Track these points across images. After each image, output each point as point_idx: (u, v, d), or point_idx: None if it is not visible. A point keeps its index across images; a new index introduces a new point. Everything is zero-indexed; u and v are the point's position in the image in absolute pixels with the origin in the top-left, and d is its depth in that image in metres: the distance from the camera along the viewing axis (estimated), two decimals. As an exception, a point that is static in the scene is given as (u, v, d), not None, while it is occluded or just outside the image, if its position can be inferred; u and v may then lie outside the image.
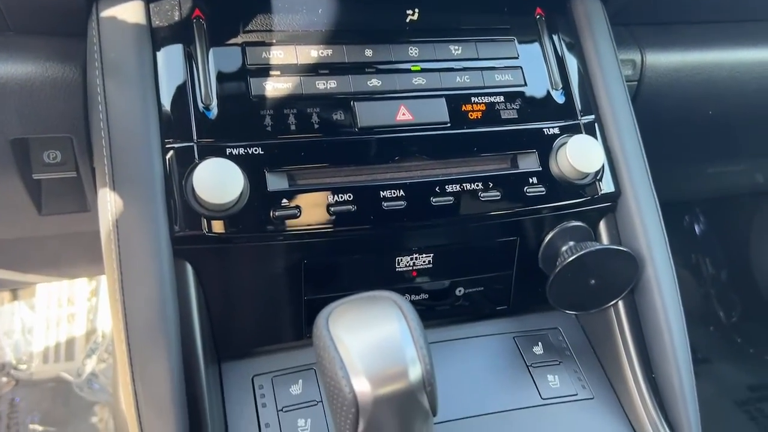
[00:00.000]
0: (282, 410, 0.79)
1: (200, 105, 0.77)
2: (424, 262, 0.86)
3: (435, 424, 0.74)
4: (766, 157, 1.64)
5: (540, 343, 0.92)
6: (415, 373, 0.58)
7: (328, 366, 0.59)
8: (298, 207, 0.77)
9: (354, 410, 0.57)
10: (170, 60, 0.79)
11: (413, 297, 0.87)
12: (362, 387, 0.57)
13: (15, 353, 1.98)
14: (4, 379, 1.92)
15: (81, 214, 1.08)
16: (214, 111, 0.78)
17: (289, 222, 0.77)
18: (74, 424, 1.86)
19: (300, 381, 0.82)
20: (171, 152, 0.75)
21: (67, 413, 1.87)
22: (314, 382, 0.82)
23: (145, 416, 0.70)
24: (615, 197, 0.90)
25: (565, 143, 0.86)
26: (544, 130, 0.88)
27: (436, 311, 0.90)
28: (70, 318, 2.07)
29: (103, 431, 1.84)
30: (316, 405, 0.79)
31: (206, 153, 0.75)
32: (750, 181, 1.80)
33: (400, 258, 0.85)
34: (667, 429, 0.83)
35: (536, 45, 0.93)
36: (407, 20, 0.88)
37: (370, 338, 0.59)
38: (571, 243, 0.87)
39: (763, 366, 2.23)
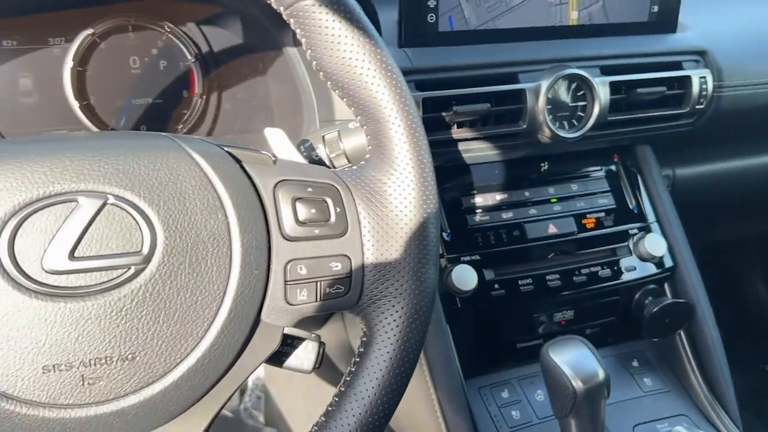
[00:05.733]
0: (501, 407, 1.36)
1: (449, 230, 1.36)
2: (569, 314, 1.46)
3: None
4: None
5: (635, 359, 1.51)
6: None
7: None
8: (501, 288, 1.37)
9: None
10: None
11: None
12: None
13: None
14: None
15: None
16: (450, 234, 1.37)
17: (497, 293, 1.37)
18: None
19: (506, 389, 1.40)
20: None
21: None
22: (515, 390, 1.39)
23: (449, 417, 1.27)
24: (674, 268, 1.50)
25: (642, 238, 1.47)
26: (629, 231, 1.49)
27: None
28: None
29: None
30: (519, 402, 1.37)
31: (450, 262, 1.34)
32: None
33: (554, 314, 1.45)
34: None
35: (616, 178, 1.54)
36: (542, 170, 1.49)
37: None
38: (650, 298, 1.48)
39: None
